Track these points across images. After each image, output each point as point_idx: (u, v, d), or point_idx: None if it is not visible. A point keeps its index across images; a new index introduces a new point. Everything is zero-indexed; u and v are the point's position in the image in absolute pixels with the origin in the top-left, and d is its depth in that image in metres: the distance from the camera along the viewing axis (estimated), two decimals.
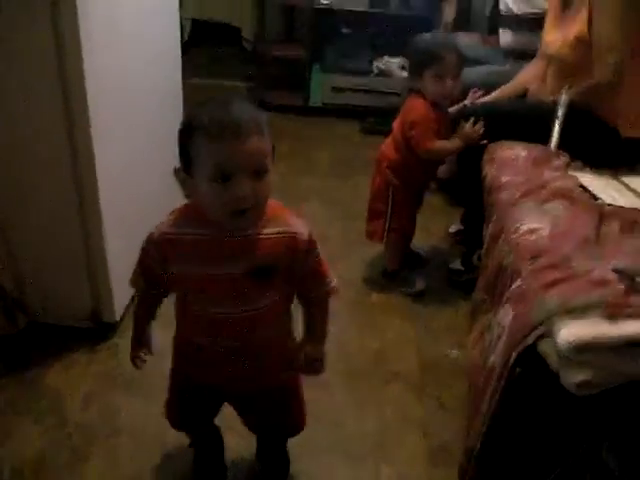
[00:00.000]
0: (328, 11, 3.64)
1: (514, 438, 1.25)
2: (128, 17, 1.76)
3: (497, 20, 3.09)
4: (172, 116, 2.07)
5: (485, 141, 1.99)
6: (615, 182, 1.87)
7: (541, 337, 1.10)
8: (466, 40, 3.06)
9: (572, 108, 1.91)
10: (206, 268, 1.08)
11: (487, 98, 2.27)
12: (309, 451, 1.51)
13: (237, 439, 1.48)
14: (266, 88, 3.73)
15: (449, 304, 2.12)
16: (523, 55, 2.61)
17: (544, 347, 1.10)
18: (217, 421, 1.41)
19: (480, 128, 1.97)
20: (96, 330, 1.84)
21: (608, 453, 1.17)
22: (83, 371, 1.74)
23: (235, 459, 1.50)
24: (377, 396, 1.74)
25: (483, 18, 3.37)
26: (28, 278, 1.78)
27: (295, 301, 1.22)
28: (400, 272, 2.23)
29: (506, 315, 1.24)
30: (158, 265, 1.12)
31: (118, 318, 1.87)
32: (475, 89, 2.24)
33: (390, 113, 2.33)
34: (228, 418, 1.39)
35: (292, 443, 1.45)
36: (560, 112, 1.90)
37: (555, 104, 1.92)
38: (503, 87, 2.35)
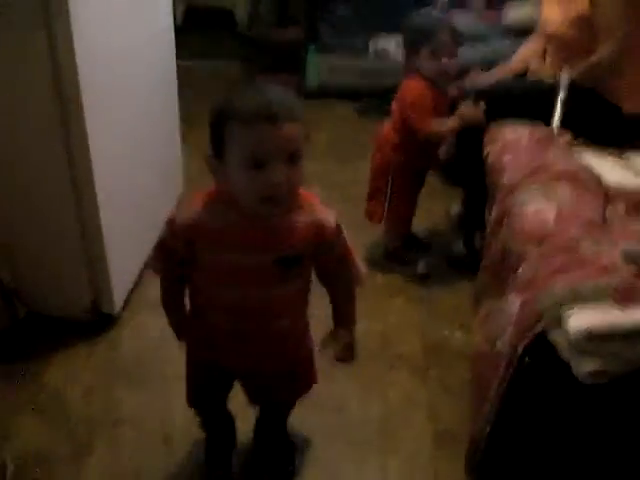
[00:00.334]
0: None
1: (522, 426, 1.24)
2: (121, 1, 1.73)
3: None
4: (167, 99, 2.01)
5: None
6: (620, 161, 1.84)
7: (550, 325, 1.08)
8: (463, 17, 3.00)
9: (574, 86, 1.89)
10: (236, 255, 1.07)
11: (487, 76, 2.24)
12: (313, 438, 1.51)
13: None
14: (261, 70, 3.67)
15: (452, 286, 2.10)
16: (524, 32, 2.57)
17: (554, 336, 1.08)
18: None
19: (480, 109, 1.94)
20: (96, 322, 1.83)
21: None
22: (83, 363, 1.73)
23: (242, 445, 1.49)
24: (381, 380, 1.73)
25: None
26: (26, 270, 1.77)
27: (312, 288, 1.21)
28: (403, 254, 2.22)
29: (513, 302, 1.22)
30: (182, 249, 1.11)
31: (118, 309, 1.86)
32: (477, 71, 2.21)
33: (387, 93, 2.29)
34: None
35: (296, 430, 1.44)
36: (562, 91, 1.87)
37: (556, 83, 1.90)
38: (503, 65, 2.31)
